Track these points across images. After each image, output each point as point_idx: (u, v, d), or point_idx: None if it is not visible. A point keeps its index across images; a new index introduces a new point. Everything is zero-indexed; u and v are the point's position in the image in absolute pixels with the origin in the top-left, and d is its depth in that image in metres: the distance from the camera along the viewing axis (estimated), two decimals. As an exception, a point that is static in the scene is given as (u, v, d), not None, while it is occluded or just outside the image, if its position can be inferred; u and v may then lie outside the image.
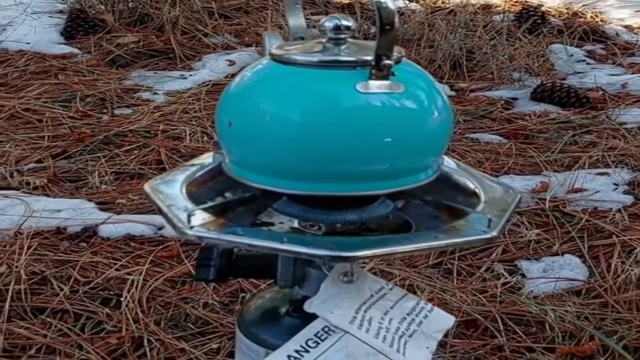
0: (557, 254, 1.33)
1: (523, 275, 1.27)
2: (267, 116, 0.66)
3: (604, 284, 1.23)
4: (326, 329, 0.70)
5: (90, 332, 1.07)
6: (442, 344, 0.74)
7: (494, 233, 0.66)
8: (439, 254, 1.31)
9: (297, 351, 0.70)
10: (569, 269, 1.28)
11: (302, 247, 0.64)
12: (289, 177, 0.67)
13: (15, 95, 1.90)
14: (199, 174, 0.75)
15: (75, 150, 1.65)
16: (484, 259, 1.32)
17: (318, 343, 0.70)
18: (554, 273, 1.27)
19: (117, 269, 1.21)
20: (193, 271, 1.22)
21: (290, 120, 0.65)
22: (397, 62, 0.67)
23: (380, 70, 0.65)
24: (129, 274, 1.20)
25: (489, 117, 1.98)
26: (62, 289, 1.15)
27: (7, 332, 1.05)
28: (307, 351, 0.70)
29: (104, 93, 1.95)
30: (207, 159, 0.77)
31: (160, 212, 0.68)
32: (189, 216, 0.66)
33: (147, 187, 0.72)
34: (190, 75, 2.13)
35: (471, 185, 0.74)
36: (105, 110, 1.87)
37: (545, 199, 1.50)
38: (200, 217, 0.66)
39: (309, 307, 0.71)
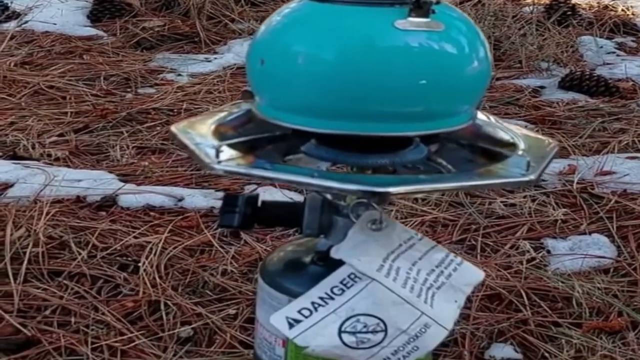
0: (584, 233, 1.29)
1: (549, 253, 1.23)
2: (301, 54, 0.64)
3: (634, 262, 1.20)
4: (352, 276, 0.68)
5: (106, 295, 1.06)
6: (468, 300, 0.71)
7: (532, 176, 0.64)
8: (463, 230, 1.29)
9: (321, 298, 0.68)
10: (597, 247, 1.25)
11: (332, 182, 0.62)
12: (321, 117, 0.65)
13: (40, 73, 1.90)
14: (227, 119, 0.73)
15: (97, 125, 1.64)
16: (508, 236, 1.29)
17: (343, 290, 0.68)
18: (581, 251, 1.23)
19: (135, 237, 1.20)
20: (212, 240, 1.20)
21: (325, 58, 0.63)
22: (437, 2, 0.65)
23: (419, 8, 0.62)
24: (147, 241, 1.19)
25: (516, 104, 1.95)
26: (79, 254, 1.13)
27: (22, 294, 1.04)
28: (332, 298, 0.68)
29: (128, 73, 1.95)
30: (235, 108, 0.75)
31: (187, 149, 0.67)
32: (217, 151, 0.64)
33: (173, 128, 0.71)
34: (215, 58, 2.12)
35: (507, 135, 0.72)
36: (129, 89, 1.87)
37: (572, 181, 1.47)
38: (229, 153, 0.65)
39: (335, 253, 0.69)
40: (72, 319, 1.00)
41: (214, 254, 1.18)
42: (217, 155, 0.64)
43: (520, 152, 0.68)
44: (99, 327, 0.98)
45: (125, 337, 0.96)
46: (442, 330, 0.69)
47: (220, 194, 1.37)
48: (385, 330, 0.67)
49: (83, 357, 0.93)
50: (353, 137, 0.66)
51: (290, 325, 0.67)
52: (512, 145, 0.70)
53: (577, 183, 1.46)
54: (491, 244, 1.25)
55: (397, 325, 0.67)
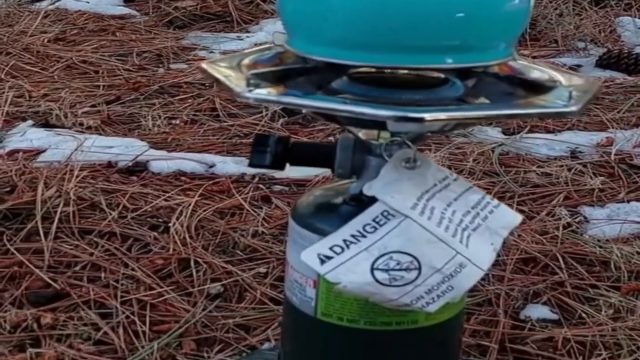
0: (622, 202, 1.26)
1: (586, 220, 1.20)
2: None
3: (675, 230, 1.16)
4: (385, 214, 0.66)
5: (136, 253, 1.05)
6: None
7: (574, 108, 0.61)
8: (497, 198, 1.25)
9: (353, 236, 0.66)
10: (636, 215, 1.21)
11: (365, 108, 0.60)
12: (355, 49, 0.63)
13: (73, 49, 1.91)
14: (259, 58, 0.72)
15: (129, 97, 1.64)
16: (544, 204, 1.26)
17: (376, 228, 0.66)
18: (619, 219, 1.20)
19: (165, 200, 1.19)
20: (243, 203, 1.19)
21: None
22: None
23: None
24: (178, 204, 1.18)
25: (552, 82, 1.92)
26: (110, 214, 1.13)
27: (53, 250, 1.04)
28: (364, 236, 0.66)
29: (160, 50, 1.95)
30: (266, 51, 0.74)
31: (217, 82, 0.66)
32: (249, 80, 0.63)
33: (203, 64, 0.70)
34: (247, 37, 2.11)
35: (549, 74, 0.70)
36: (160, 65, 1.87)
37: (610, 153, 1.44)
38: (260, 84, 0.63)
39: (368, 189, 0.67)
40: (102, 275, 0.99)
41: (245, 217, 1.16)
42: (248, 85, 0.63)
43: (562, 85, 0.65)
44: (128, 282, 0.98)
45: (154, 291, 0.96)
46: (478, 271, 0.67)
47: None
48: (419, 269, 0.65)
49: (112, 310, 0.92)
50: (385, 75, 0.65)
51: (322, 262, 0.65)
52: (554, 81, 0.68)
53: (615, 154, 1.43)
54: (527, 211, 1.23)
55: (431, 264, 0.65)
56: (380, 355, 0.69)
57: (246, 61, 0.71)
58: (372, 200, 0.67)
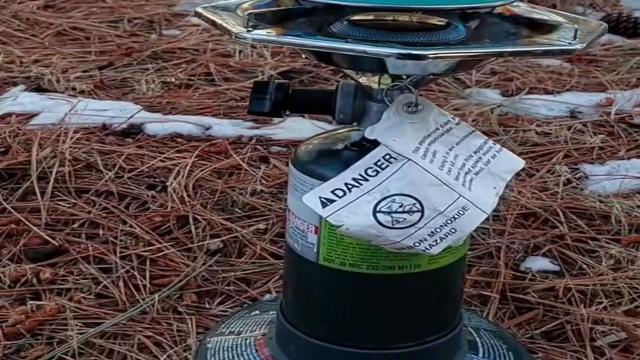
0: (622, 159, 1.25)
1: (586, 176, 1.20)
2: None
3: (675, 185, 1.16)
4: (387, 157, 0.66)
5: (134, 210, 1.04)
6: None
7: (579, 45, 0.60)
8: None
9: (355, 179, 0.65)
10: (636, 171, 1.21)
11: (367, 46, 0.59)
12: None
13: (63, 15, 1.89)
14: (257, 3, 0.70)
15: (122, 63, 1.62)
16: (544, 162, 1.25)
17: (378, 172, 0.65)
18: (619, 174, 1.19)
19: (162, 160, 1.18)
20: (241, 163, 1.18)
21: None
22: None
23: None
24: (175, 164, 1.17)
25: (549, 45, 1.90)
26: (106, 174, 1.12)
27: (50, 209, 1.03)
28: (366, 179, 0.65)
29: (152, 16, 1.93)
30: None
31: (214, 24, 0.65)
32: (247, 20, 0.61)
33: (199, 8, 0.69)
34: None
35: (554, 16, 0.69)
36: (153, 31, 1.85)
37: (610, 112, 1.43)
38: (258, 25, 0.62)
39: (370, 133, 0.66)
40: (100, 232, 0.98)
41: (243, 176, 1.16)
42: (247, 25, 0.61)
43: (567, 25, 0.64)
44: (127, 238, 0.97)
45: (154, 247, 0.95)
46: (481, 214, 0.66)
47: (250, 123, 1.35)
48: (422, 211, 0.64)
49: (112, 265, 0.91)
50: (386, 21, 0.64)
51: (324, 205, 0.65)
52: (558, 22, 0.67)
53: (615, 114, 1.42)
54: (526, 168, 1.22)
55: (434, 206, 0.65)
56: (382, 300, 0.69)
57: (244, 5, 0.69)
58: (374, 144, 0.66)
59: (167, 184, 1.11)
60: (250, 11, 0.65)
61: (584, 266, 0.95)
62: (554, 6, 2.16)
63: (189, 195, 1.08)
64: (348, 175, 0.66)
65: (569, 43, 0.61)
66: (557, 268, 0.95)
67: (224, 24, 0.63)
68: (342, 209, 0.65)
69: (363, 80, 0.70)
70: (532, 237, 1.01)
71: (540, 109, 1.46)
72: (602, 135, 1.32)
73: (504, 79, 1.61)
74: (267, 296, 0.87)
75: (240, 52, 1.71)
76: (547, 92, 1.55)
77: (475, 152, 0.69)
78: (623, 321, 0.82)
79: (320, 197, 0.65)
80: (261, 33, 0.61)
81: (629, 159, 1.25)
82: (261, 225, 1.02)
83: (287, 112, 0.72)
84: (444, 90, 1.52)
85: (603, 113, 1.44)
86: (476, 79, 1.60)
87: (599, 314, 0.84)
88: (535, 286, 0.90)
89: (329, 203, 0.65)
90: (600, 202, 1.10)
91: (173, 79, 1.43)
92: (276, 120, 1.37)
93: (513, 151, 1.27)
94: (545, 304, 0.86)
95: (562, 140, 1.32)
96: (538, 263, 0.95)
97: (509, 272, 0.92)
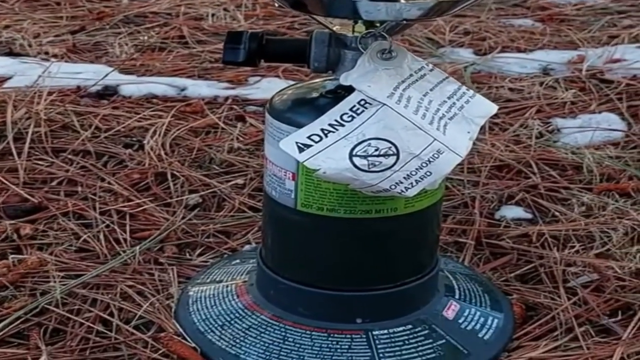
0: (594, 112, 1.27)
1: (558, 130, 1.22)
2: None
3: (644, 136, 1.18)
4: (362, 102, 0.67)
5: (112, 168, 1.05)
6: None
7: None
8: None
9: (330, 125, 0.66)
10: (607, 124, 1.23)
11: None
12: None
13: (34, -20, 1.86)
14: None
15: (94, 28, 1.61)
16: (517, 117, 1.27)
17: (353, 117, 0.66)
18: (590, 127, 1.22)
19: (138, 120, 1.18)
20: (218, 122, 1.19)
21: None
22: None
23: None
24: (151, 124, 1.17)
25: (522, 6, 1.92)
26: (82, 134, 1.12)
27: (27, 168, 1.03)
28: (342, 125, 0.66)
29: (124, -19, 1.91)
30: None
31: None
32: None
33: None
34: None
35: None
36: (125, -4, 1.83)
37: (581, 69, 1.45)
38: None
39: (345, 79, 0.67)
40: (79, 189, 0.99)
41: (220, 135, 1.16)
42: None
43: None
44: (106, 194, 0.97)
45: (133, 202, 0.95)
46: (455, 157, 0.68)
47: (225, 84, 1.35)
48: (397, 154, 0.66)
49: (91, 220, 0.92)
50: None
51: (300, 150, 0.66)
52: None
53: (586, 70, 1.44)
54: (500, 123, 1.24)
55: (409, 150, 0.66)
56: (360, 243, 0.70)
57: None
58: (349, 91, 0.67)
59: (144, 142, 1.11)
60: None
61: (557, 213, 0.97)
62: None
63: (166, 153, 1.08)
64: (324, 120, 0.67)
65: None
66: (530, 216, 0.97)
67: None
68: (319, 154, 0.66)
69: (337, 28, 0.71)
70: (506, 187, 1.03)
71: (512, 66, 1.48)
72: (573, 91, 1.34)
73: (477, 39, 1.63)
74: (247, 247, 0.88)
75: (213, 15, 1.71)
76: (519, 51, 1.56)
77: (449, 98, 0.70)
78: (595, 262, 0.84)
79: (297, 142, 0.66)
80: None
81: (600, 112, 1.27)
82: (239, 181, 1.03)
83: (262, 62, 0.73)
84: (417, 50, 1.53)
85: (575, 69, 1.45)
86: (449, 39, 1.61)
87: (571, 257, 0.86)
88: (509, 233, 0.92)
89: (305, 148, 0.66)
90: (573, 153, 1.12)
91: (146, 38, 1.43)
92: (251, 80, 1.38)
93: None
94: (519, 249, 0.88)
95: (535, 96, 1.34)
96: (512, 211, 0.97)
97: (483, 220, 0.94)
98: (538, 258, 0.86)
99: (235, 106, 1.27)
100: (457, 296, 0.77)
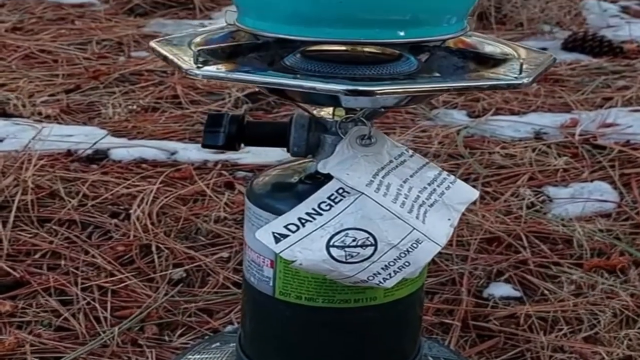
0: (586, 181, 1.27)
1: (550, 199, 1.21)
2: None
3: (637, 207, 1.17)
4: (340, 191, 0.66)
5: (97, 240, 1.04)
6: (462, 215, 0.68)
7: (525, 80, 0.61)
8: (462, 180, 1.26)
9: (308, 214, 0.65)
10: (599, 194, 1.22)
11: (316, 83, 0.59)
12: (303, 24, 0.62)
13: (31, 38, 1.88)
14: (211, 37, 0.71)
15: (89, 86, 1.62)
16: (509, 185, 1.26)
17: (331, 206, 0.65)
18: (582, 197, 1.21)
19: (126, 187, 1.18)
20: (206, 189, 1.18)
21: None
22: None
23: None
24: (139, 191, 1.16)
25: (517, 65, 1.92)
26: (69, 202, 1.11)
27: (12, 239, 1.02)
28: (320, 214, 0.65)
29: (121, 38, 1.92)
30: (219, 30, 0.73)
31: (165, 60, 0.65)
32: (197, 56, 0.61)
33: (152, 42, 0.69)
34: (210, 23, 2.09)
35: (503, 48, 0.69)
36: (121, 53, 1.84)
37: (574, 133, 1.44)
38: (209, 61, 0.62)
39: (323, 167, 0.66)
40: (62, 262, 0.98)
41: (207, 203, 1.15)
42: (197, 61, 0.61)
43: (514, 58, 0.65)
44: (89, 269, 0.96)
45: (115, 278, 0.94)
46: (435, 246, 0.67)
47: (215, 151, 1.35)
48: (375, 245, 0.64)
49: (73, 297, 0.90)
50: (340, 53, 0.64)
51: (277, 240, 0.65)
52: (506, 54, 0.67)
53: (579, 135, 1.44)
54: (491, 192, 1.23)
55: (387, 240, 0.65)
56: (340, 333, 0.69)
57: (197, 39, 0.70)
58: (328, 178, 0.67)
59: (131, 211, 1.10)
60: (202, 47, 0.65)
61: (546, 292, 0.95)
62: (521, 24, 2.18)
63: (152, 224, 1.08)
64: (302, 209, 0.66)
65: (515, 77, 0.61)
66: (519, 294, 0.95)
67: (175, 60, 0.64)
68: (295, 244, 0.65)
69: (317, 112, 0.71)
70: (495, 262, 1.02)
71: (505, 130, 1.48)
72: (566, 157, 1.33)
73: (470, 100, 1.63)
74: (229, 327, 0.87)
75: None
76: (513, 113, 1.56)
77: (429, 184, 0.69)
78: (582, 348, 0.83)
79: (273, 232, 0.65)
80: (211, 69, 0.62)
81: (591, 181, 1.26)
82: (224, 254, 1.02)
83: (242, 145, 0.72)
84: (410, 111, 1.53)
85: (568, 134, 1.45)
86: (443, 99, 1.61)
87: (558, 342, 0.84)
88: (496, 313, 0.90)
89: (282, 238, 0.65)
90: (563, 225, 1.11)
91: (135, 106, 1.43)
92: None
93: (479, 174, 1.28)
94: (506, 331, 0.87)
95: (527, 162, 1.33)
96: (500, 289, 0.96)
97: (471, 300, 0.93)
98: (525, 342, 0.85)
99: (224, 171, 1.26)
100: (440, 384, 0.75)
